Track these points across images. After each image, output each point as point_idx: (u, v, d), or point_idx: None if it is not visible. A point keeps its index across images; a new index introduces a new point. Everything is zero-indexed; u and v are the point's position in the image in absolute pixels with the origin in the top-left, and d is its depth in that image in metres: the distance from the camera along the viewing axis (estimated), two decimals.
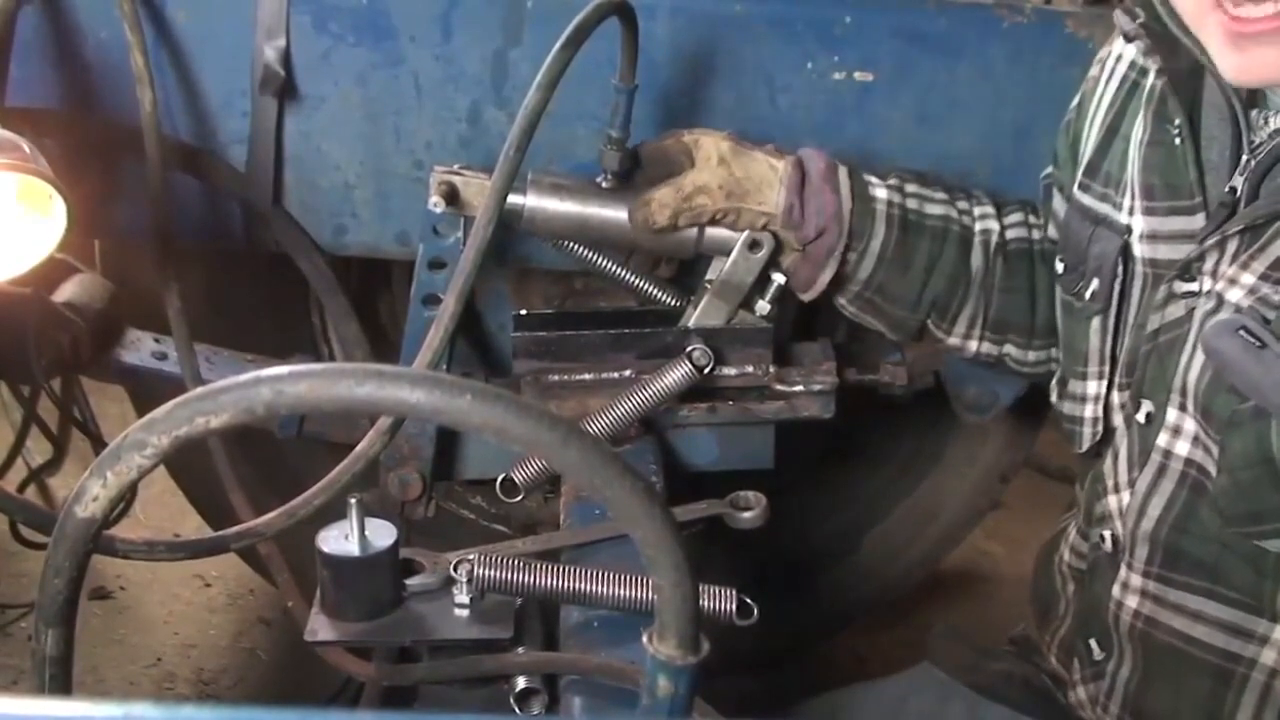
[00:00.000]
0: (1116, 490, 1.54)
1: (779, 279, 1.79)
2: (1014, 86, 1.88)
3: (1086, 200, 1.62)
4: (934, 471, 2.54)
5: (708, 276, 1.82)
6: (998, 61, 1.88)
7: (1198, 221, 1.45)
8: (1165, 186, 1.49)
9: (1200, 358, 1.39)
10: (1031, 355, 1.82)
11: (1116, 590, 1.52)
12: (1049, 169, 1.78)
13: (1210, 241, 1.41)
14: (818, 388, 1.86)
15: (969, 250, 1.78)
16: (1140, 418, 1.49)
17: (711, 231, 1.77)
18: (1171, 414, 1.44)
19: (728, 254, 1.77)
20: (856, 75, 1.88)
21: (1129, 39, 1.54)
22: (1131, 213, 1.54)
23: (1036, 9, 1.88)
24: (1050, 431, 2.62)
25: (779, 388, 1.85)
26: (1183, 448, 1.43)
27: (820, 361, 1.88)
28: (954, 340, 1.82)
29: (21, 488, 2.30)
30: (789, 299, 1.85)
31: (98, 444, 2.24)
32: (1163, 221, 1.50)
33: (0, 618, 2.68)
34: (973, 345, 1.82)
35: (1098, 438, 1.60)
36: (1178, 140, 1.47)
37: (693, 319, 1.82)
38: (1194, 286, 1.43)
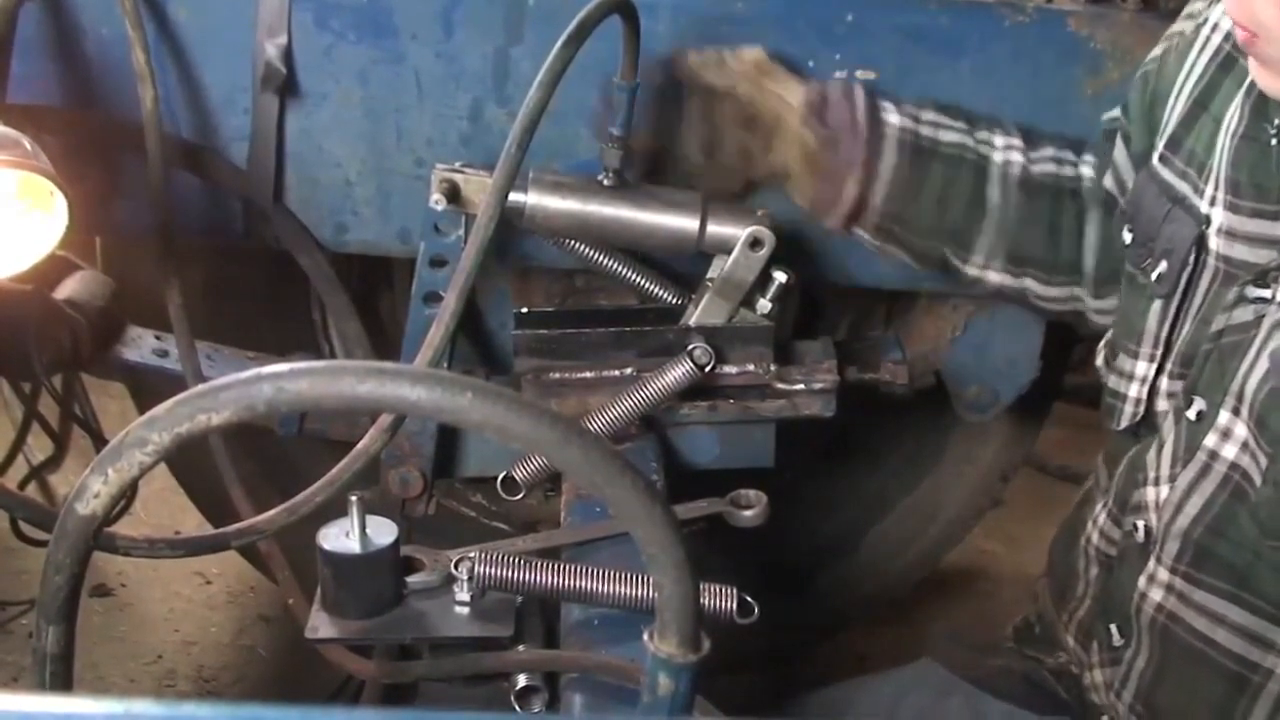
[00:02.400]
0: (1156, 483, 1.51)
1: (780, 277, 1.79)
2: (1016, 85, 1.87)
3: (1166, 175, 1.57)
4: (934, 470, 2.53)
5: (709, 274, 1.82)
6: (1000, 60, 1.87)
7: None
8: (1253, 186, 1.44)
9: (1262, 366, 1.36)
10: (1053, 291, 1.80)
11: (1143, 582, 1.50)
12: (1115, 112, 1.74)
13: None
14: (819, 386, 1.86)
15: (985, 180, 1.76)
16: (1190, 414, 1.46)
17: (713, 229, 1.76)
18: (1224, 416, 1.41)
19: (729, 252, 1.77)
20: (858, 73, 1.87)
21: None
22: (1213, 203, 1.49)
23: (1038, 8, 1.87)
24: (1050, 430, 2.62)
25: (780, 386, 1.85)
26: (1230, 451, 1.40)
27: (821, 360, 1.88)
28: (972, 271, 1.80)
29: (22, 485, 2.30)
30: (790, 297, 1.85)
31: (98, 441, 2.24)
32: (1244, 221, 1.45)
33: (1, 615, 2.68)
34: (992, 277, 1.80)
35: (1137, 419, 1.58)
36: (1274, 141, 1.41)
37: (694, 317, 1.82)
38: (1267, 294, 1.40)
